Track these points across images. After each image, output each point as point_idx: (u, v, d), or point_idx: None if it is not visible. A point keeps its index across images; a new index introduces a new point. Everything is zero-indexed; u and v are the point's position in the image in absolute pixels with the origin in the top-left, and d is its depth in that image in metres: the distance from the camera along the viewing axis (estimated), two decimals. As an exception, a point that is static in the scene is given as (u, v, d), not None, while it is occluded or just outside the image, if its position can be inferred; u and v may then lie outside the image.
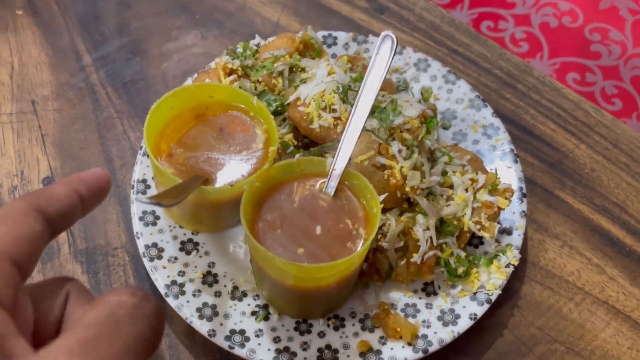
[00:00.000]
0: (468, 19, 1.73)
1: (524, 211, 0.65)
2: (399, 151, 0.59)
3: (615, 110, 1.52)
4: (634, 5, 1.81)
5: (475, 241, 0.64)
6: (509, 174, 0.67)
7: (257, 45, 0.74)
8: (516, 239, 0.63)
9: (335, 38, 0.77)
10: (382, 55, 0.58)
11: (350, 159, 0.59)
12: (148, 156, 0.67)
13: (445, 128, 0.72)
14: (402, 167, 0.58)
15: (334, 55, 0.76)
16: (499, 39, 1.70)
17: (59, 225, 0.35)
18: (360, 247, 0.53)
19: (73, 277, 0.35)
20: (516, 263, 0.61)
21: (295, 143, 0.65)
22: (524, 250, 0.66)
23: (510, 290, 0.64)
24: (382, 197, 0.56)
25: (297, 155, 0.60)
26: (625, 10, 1.80)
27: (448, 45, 0.83)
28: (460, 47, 0.83)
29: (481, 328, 0.62)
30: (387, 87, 0.70)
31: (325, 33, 0.78)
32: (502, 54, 0.82)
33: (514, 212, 0.64)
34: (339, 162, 0.58)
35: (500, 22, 1.75)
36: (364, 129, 0.60)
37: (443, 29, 0.85)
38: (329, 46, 0.77)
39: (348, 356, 0.56)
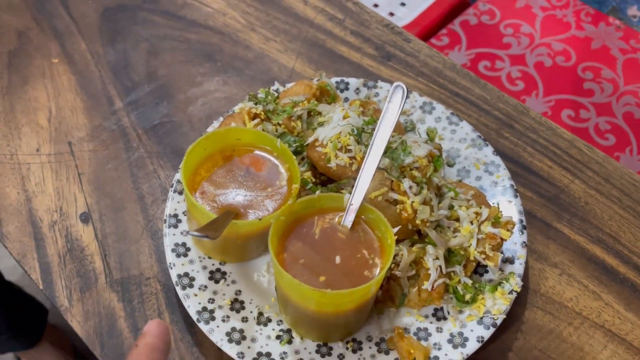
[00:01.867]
0: (466, 59, 1.81)
1: (524, 242, 0.70)
2: (410, 187, 0.65)
3: (609, 145, 1.59)
4: (624, 45, 1.91)
5: (480, 270, 0.69)
6: (510, 207, 0.73)
7: (277, 90, 0.81)
8: (518, 267, 0.68)
9: (347, 83, 0.84)
10: (394, 103, 0.64)
11: (365, 195, 0.65)
12: (179, 193, 0.73)
13: (450, 165, 0.79)
14: (412, 202, 0.64)
15: (346, 99, 0.83)
16: (496, 77, 1.78)
17: None
18: (377, 275, 0.59)
19: None
20: (519, 289, 0.67)
21: (314, 180, 0.71)
22: (525, 278, 0.72)
23: (513, 315, 0.69)
24: (396, 229, 0.62)
25: (317, 192, 0.66)
26: (616, 50, 1.89)
27: (450, 89, 0.90)
28: (461, 90, 0.90)
29: (488, 351, 0.66)
30: (396, 128, 0.77)
31: (338, 79, 0.85)
32: (500, 97, 0.89)
33: (515, 243, 0.70)
34: (356, 197, 0.64)
35: (497, 62, 1.83)
36: (378, 168, 0.66)
37: (445, 73, 0.92)
38: (342, 91, 0.84)
39: (366, 376, 0.61)
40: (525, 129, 0.86)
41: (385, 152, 0.68)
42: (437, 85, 0.91)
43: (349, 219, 0.64)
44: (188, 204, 0.66)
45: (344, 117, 0.71)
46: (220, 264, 0.69)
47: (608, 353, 0.67)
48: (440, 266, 0.64)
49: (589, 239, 0.76)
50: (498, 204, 0.68)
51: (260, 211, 0.64)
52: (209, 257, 0.69)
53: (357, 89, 0.84)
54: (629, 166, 1.63)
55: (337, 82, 0.84)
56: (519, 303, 0.70)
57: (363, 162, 0.65)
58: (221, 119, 0.78)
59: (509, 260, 0.69)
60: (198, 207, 0.62)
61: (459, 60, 1.84)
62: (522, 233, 0.71)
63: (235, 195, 0.65)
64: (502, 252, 0.69)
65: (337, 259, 0.61)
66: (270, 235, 0.60)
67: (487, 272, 0.69)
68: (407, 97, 0.83)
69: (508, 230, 0.66)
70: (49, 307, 1.33)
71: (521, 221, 0.72)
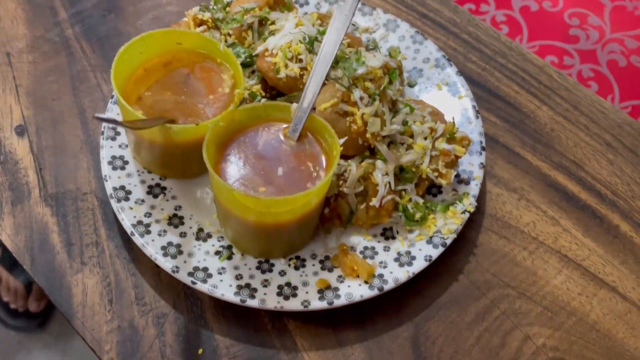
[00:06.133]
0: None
1: (482, 163, 0.67)
2: (361, 98, 0.60)
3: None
4: (613, -8, 1.84)
5: (434, 191, 0.66)
6: (470, 128, 0.69)
7: (229, 2, 0.75)
8: (473, 187, 0.65)
9: (307, -2, 0.79)
10: (347, 3, 0.59)
11: (314, 107, 0.60)
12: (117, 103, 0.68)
13: (412, 86, 0.74)
14: (363, 113, 0.60)
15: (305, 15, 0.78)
16: (479, 21, 1.73)
17: None
18: (318, 184, 0.55)
19: None
20: (472, 210, 0.64)
21: (263, 94, 0.67)
22: (482, 202, 0.69)
23: (467, 238, 0.66)
24: (342, 140, 0.58)
25: (262, 100, 0.61)
26: (604, -4, 1.83)
27: (418, 10, 0.85)
28: (430, 12, 0.85)
29: (437, 273, 0.64)
30: (356, 44, 0.72)
31: (298, -7, 0.79)
32: (470, 20, 0.84)
33: (472, 164, 0.67)
34: (303, 107, 0.60)
35: (482, 5, 1.77)
36: (329, 79, 0.62)
37: (414, -6, 0.86)
38: (301, 5, 0.79)
39: (307, 292, 0.58)
40: (495, 53, 0.82)
41: (337, 62, 0.63)
42: (404, 5, 0.85)
43: (294, 130, 0.60)
44: (120, 108, 0.61)
45: (297, 26, 0.66)
46: (160, 179, 0.65)
47: (562, 278, 0.65)
48: (389, 182, 0.61)
49: (552, 165, 0.73)
50: (453, 119, 0.65)
51: (200, 119, 0.60)
52: (149, 172, 0.65)
53: (318, 3, 0.79)
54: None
55: (296, -4, 0.79)
56: (474, 227, 0.67)
57: (312, 69, 0.60)
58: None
59: (464, 182, 0.66)
60: (129, 110, 0.57)
61: (442, 1, 1.77)
62: (481, 154, 0.67)
63: (174, 102, 0.61)
64: (457, 173, 0.65)
65: (280, 171, 0.57)
66: (207, 142, 0.56)
67: (440, 193, 0.66)
68: (371, 13, 0.78)
69: (463, 146, 0.62)
70: None
71: (480, 142, 0.68)
